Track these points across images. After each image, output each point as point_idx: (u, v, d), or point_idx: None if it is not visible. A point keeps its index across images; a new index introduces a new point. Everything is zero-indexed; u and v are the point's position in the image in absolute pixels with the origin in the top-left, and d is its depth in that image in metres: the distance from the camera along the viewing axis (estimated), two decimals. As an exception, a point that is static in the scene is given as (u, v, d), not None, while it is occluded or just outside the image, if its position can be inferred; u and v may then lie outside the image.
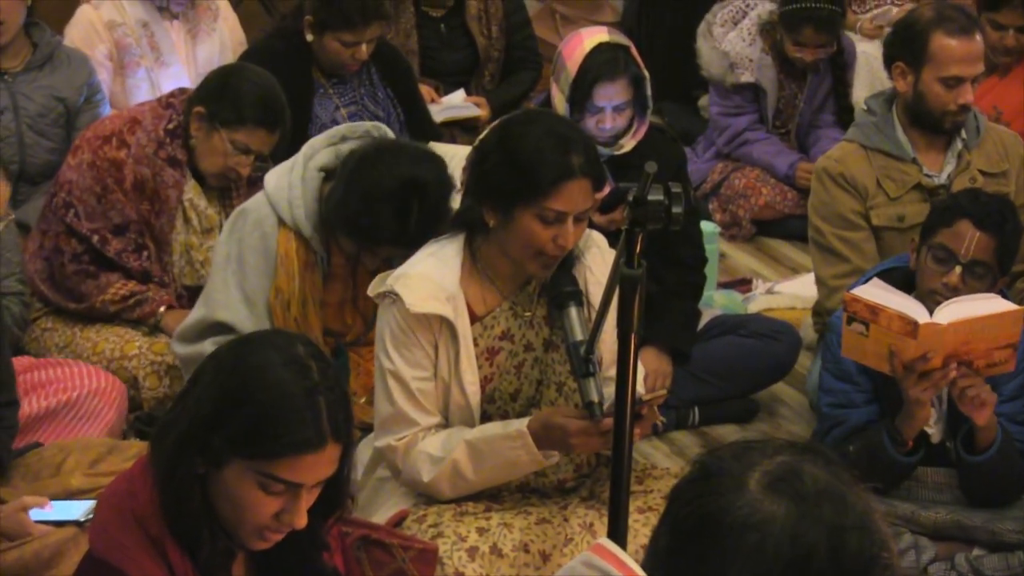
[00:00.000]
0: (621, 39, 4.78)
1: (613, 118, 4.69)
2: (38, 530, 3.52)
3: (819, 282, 4.77)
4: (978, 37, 4.55)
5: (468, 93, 6.33)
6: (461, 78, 6.36)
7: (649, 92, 4.76)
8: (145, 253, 4.64)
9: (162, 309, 4.62)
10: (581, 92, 4.64)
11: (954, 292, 3.90)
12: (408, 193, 3.94)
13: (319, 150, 4.16)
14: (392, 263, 4.15)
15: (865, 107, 4.78)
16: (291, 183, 4.12)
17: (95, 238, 4.61)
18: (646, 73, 4.75)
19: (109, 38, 5.66)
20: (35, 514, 3.55)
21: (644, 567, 1.78)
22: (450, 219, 3.87)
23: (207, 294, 4.25)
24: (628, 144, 4.75)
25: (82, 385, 4.26)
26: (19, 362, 4.34)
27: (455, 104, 6.20)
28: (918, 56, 4.54)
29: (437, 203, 3.96)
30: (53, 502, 3.61)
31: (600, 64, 4.65)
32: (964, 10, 4.75)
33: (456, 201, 4.03)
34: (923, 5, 4.94)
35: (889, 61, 4.66)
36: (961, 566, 3.98)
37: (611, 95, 4.67)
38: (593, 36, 4.73)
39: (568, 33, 4.98)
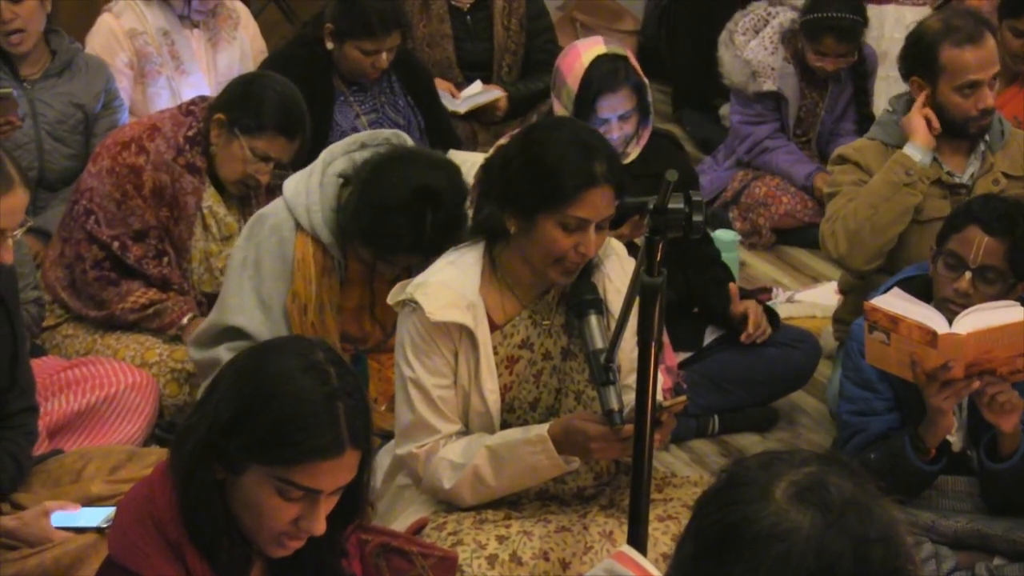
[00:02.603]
0: (618, 49, 4.77)
1: (620, 127, 4.68)
2: (58, 536, 3.52)
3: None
4: (989, 41, 4.55)
5: (487, 86, 6.34)
6: (482, 73, 6.36)
7: (650, 99, 4.76)
8: (165, 259, 4.65)
9: (185, 320, 4.62)
10: (585, 106, 4.63)
11: (965, 298, 3.89)
12: (421, 201, 3.93)
13: (338, 156, 4.16)
14: (411, 271, 4.16)
15: (889, 108, 4.78)
16: (309, 189, 4.13)
17: (115, 244, 4.62)
18: (646, 81, 4.74)
19: (130, 46, 5.67)
20: (55, 520, 3.56)
21: (668, 575, 1.78)
22: (468, 226, 3.88)
23: (222, 298, 4.27)
24: (633, 152, 4.74)
25: (118, 381, 4.33)
26: (50, 363, 4.38)
27: (474, 93, 6.22)
28: (931, 70, 4.56)
29: (451, 210, 3.95)
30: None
31: (601, 76, 4.64)
32: (972, 15, 4.73)
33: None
34: (930, 17, 4.93)
35: (906, 76, 4.68)
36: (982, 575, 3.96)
37: (615, 106, 4.66)
38: (590, 49, 4.71)
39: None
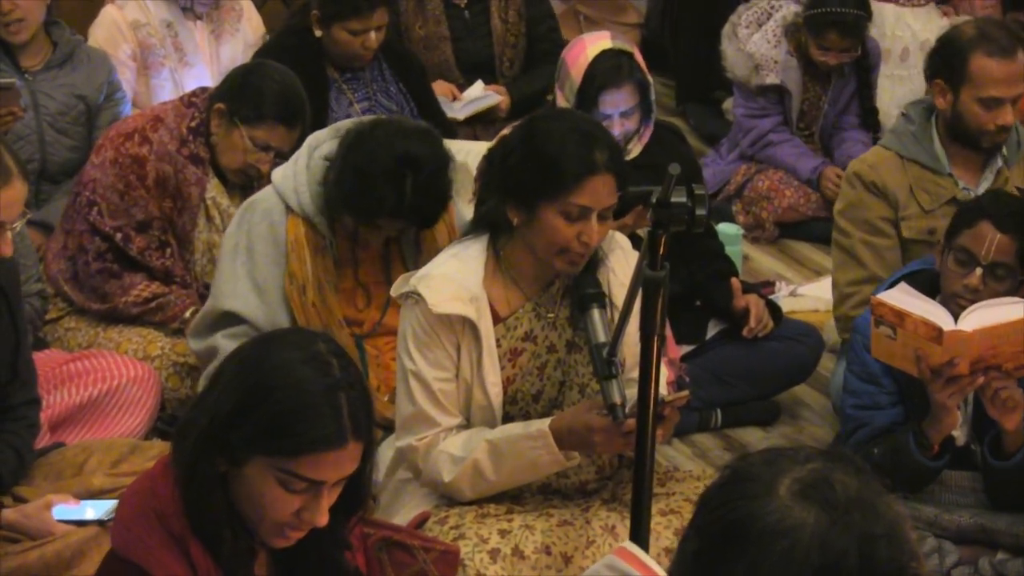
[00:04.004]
0: (624, 45, 4.76)
1: (621, 123, 4.68)
2: (60, 529, 3.52)
3: (834, 286, 4.76)
4: (1019, 57, 4.47)
5: (489, 85, 6.31)
6: (483, 75, 6.33)
7: (653, 97, 4.76)
8: (168, 251, 4.66)
9: (187, 314, 4.62)
10: (587, 100, 4.63)
11: (975, 294, 3.88)
12: (402, 165, 4.00)
13: (324, 141, 4.24)
14: (400, 242, 4.17)
15: (904, 114, 4.73)
16: (296, 171, 4.20)
17: (118, 236, 4.62)
18: (650, 79, 4.74)
19: (133, 38, 5.68)
20: (57, 513, 3.56)
21: (671, 571, 1.78)
22: (452, 195, 3.91)
23: (215, 286, 4.32)
24: (635, 149, 4.75)
25: (120, 374, 4.34)
26: (52, 355, 4.38)
27: (475, 96, 6.19)
28: (957, 75, 4.48)
29: (432, 175, 4.02)
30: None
31: (605, 71, 4.64)
32: (1008, 28, 4.67)
33: (465, 203, 4.05)
34: (967, 22, 4.88)
35: (930, 78, 4.62)
36: (984, 570, 3.96)
37: (617, 102, 4.66)
38: (596, 43, 4.70)
39: (592, 35, 4.96)
